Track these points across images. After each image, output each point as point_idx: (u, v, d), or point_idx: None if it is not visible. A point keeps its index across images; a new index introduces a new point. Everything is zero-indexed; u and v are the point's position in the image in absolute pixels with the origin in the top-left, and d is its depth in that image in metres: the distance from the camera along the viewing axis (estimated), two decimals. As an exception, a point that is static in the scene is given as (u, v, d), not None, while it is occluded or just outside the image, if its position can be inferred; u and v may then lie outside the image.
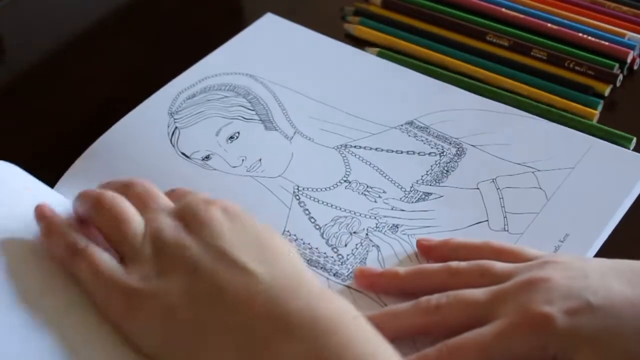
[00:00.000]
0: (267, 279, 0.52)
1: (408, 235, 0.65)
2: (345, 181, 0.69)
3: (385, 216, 0.66)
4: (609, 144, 0.70)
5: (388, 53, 0.80)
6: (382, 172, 0.69)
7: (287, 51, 0.80)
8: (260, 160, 0.70)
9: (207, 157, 0.70)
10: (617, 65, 0.77)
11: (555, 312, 0.53)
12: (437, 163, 0.69)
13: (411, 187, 0.68)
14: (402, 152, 0.70)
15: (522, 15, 0.82)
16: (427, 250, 0.63)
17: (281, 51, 0.80)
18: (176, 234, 0.55)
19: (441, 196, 0.67)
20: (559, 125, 0.72)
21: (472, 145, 0.70)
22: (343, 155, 0.70)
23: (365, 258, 0.64)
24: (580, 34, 0.79)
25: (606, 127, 0.72)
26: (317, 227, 0.65)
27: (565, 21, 0.81)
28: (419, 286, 0.59)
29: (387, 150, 0.71)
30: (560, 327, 0.53)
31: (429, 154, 0.70)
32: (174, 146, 0.71)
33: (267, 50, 0.80)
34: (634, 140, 0.71)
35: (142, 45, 0.84)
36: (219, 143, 0.71)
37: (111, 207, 0.57)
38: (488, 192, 0.67)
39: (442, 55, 0.79)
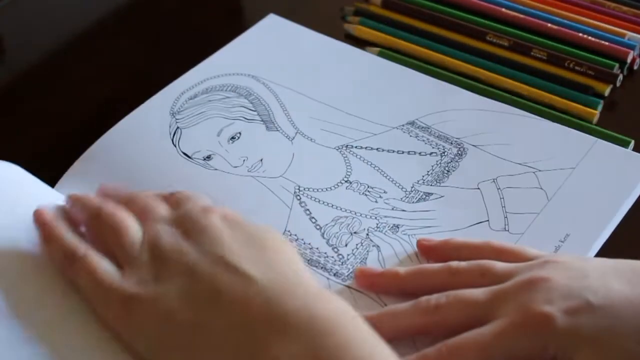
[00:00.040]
0: (263, 280, 0.52)
1: (409, 235, 0.65)
2: (346, 181, 0.69)
3: (385, 216, 0.66)
4: (610, 144, 0.70)
5: (389, 53, 0.80)
6: (383, 173, 0.69)
7: (289, 52, 0.80)
8: (261, 160, 0.70)
9: (209, 157, 0.70)
10: (617, 65, 0.77)
11: (555, 311, 0.53)
12: (438, 163, 0.69)
13: (412, 187, 0.68)
14: (403, 152, 0.71)
15: (522, 15, 0.82)
16: (427, 250, 0.63)
17: (283, 52, 0.80)
18: (174, 240, 0.55)
19: (442, 196, 0.67)
20: (560, 125, 0.72)
21: (473, 146, 0.70)
22: (344, 155, 0.70)
23: (366, 258, 0.64)
24: (580, 34, 0.79)
25: (604, 130, 0.72)
26: (318, 227, 0.66)
27: (565, 21, 0.81)
28: (419, 286, 0.59)
29: (388, 151, 0.71)
30: (560, 327, 0.53)
31: (430, 154, 0.70)
32: (175, 146, 0.71)
33: (269, 51, 0.80)
34: (632, 143, 0.71)
35: (142, 45, 0.84)
36: (221, 143, 0.71)
37: (110, 216, 0.57)
38: (489, 192, 0.67)
39: (442, 55, 0.79)
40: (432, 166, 0.69)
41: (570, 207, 0.66)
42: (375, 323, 0.57)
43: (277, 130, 0.72)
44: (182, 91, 0.76)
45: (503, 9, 0.82)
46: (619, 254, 0.58)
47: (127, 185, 0.67)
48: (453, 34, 0.81)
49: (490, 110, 0.73)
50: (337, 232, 0.65)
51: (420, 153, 0.70)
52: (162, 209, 0.58)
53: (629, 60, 0.77)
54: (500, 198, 0.66)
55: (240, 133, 0.72)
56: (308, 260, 0.63)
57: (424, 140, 0.71)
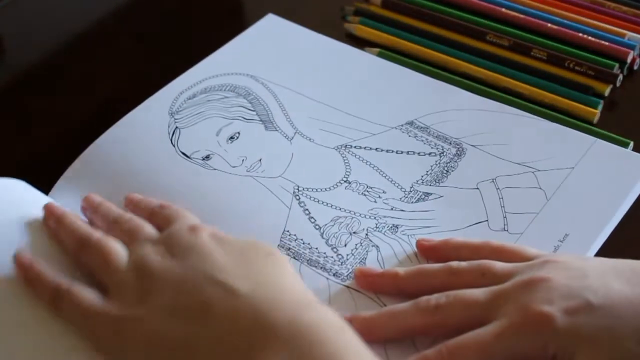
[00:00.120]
0: (250, 293, 0.52)
1: (408, 235, 0.65)
2: (345, 181, 0.69)
3: (385, 216, 0.66)
4: (609, 143, 0.70)
5: (388, 53, 0.80)
6: (382, 172, 0.69)
7: (287, 52, 0.80)
8: (260, 160, 0.70)
9: (207, 157, 0.70)
10: (617, 65, 0.77)
11: (555, 311, 0.53)
12: (437, 163, 0.69)
13: (411, 187, 0.68)
14: (402, 152, 0.70)
15: (522, 15, 0.82)
16: (427, 250, 0.63)
17: (282, 52, 0.79)
18: (159, 259, 0.56)
19: (441, 196, 0.67)
20: (559, 125, 0.72)
21: (472, 146, 0.70)
22: (343, 155, 0.70)
23: (365, 258, 0.64)
24: (580, 34, 0.79)
25: (603, 131, 0.72)
26: (317, 227, 0.65)
27: (565, 21, 0.81)
28: (419, 286, 0.59)
29: (387, 151, 0.71)
30: (560, 327, 0.53)
31: (429, 154, 0.70)
32: (174, 146, 0.71)
33: (268, 51, 0.79)
34: (632, 144, 0.71)
35: (142, 45, 0.85)
36: (219, 143, 0.71)
37: (96, 245, 0.58)
38: (488, 192, 0.67)
39: (442, 55, 0.79)
40: (431, 166, 0.69)
41: (569, 207, 0.65)
42: (375, 323, 0.57)
43: (276, 130, 0.72)
44: (180, 91, 0.76)
45: (503, 9, 0.82)
46: (619, 253, 0.58)
47: (126, 184, 0.68)
48: (453, 34, 0.81)
49: (489, 110, 0.73)
50: (336, 232, 0.65)
51: (419, 153, 0.70)
52: (149, 230, 0.59)
53: (629, 60, 0.77)
54: (500, 198, 0.66)
55: (239, 133, 0.72)
56: (307, 260, 0.63)
57: (422, 140, 0.71)
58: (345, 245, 0.64)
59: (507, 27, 0.81)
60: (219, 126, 0.72)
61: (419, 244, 0.63)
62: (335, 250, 0.64)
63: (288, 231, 0.65)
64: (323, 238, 0.65)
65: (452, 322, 0.56)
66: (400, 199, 0.67)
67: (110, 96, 0.79)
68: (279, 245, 0.64)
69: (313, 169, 0.69)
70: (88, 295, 0.56)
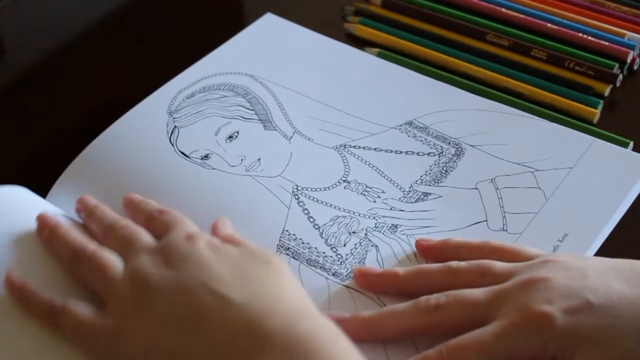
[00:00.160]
0: (244, 301, 0.52)
1: (407, 235, 0.65)
2: (344, 181, 0.68)
3: (384, 216, 0.66)
4: (608, 143, 0.70)
5: (388, 53, 0.80)
6: (381, 172, 0.69)
7: (286, 51, 0.80)
8: (259, 159, 0.70)
9: (206, 157, 0.70)
10: (617, 65, 0.77)
11: (555, 311, 0.53)
12: (436, 163, 0.69)
13: (410, 187, 0.68)
14: (401, 152, 0.70)
15: (522, 15, 0.82)
16: (426, 250, 0.63)
17: (280, 51, 0.79)
18: (155, 269, 0.56)
19: (440, 196, 0.67)
20: (558, 125, 0.72)
21: (471, 146, 0.70)
22: (342, 155, 0.70)
23: (364, 258, 0.64)
24: (580, 34, 0.79)
25: (603, 131, 0.72)
26: (316, 226, 0.65)
27: (565, 21, 0.81)
28: (418, 286, 0.59)
29: (386, 151, 0.71)
30: (560, 327, 0.53)
31: (428, 154, 0.70)
32: (173, 145, 0.71)
33: (267, 50, 0.79)
34: (631, 144, 0.71)
35: (142, 45, 0.85)
36: (218, 142, 0.71)
37: (91, 258, 0.58)
38: (487, 192, 0.67)
39: (442, 55, 0.79)
40: (430, 166, 0.69)
41: (568, 207, 0.65)
42: (375, 323, 0.57)
43: (275, 129, 0.72)
44: (179, 90, 0.75)
45: (503, 9, 0.82)
46: (618, 254, 0.58)
47: (125, 184, 0.68)
48: (453, 34, 0.81)
49: (487, 110, 0.73)
50: (335, 232, 0.65)
51: (418, 153, 0.70)
52: (145, 238, 0.59)
53: (628, 60, 0.77)
54: (499, 198, 0.66)
55: (238, 132, 0.72)
56: (307, 260, 0.63)
57: (421, 140, 0.71)
58: (345, 245, 0.64)
59: (507, 27, 0.81)
60: (218, 125, 0.72)
61: (419, 244, 0.63)
62: (334, 249, 0.64)
63: (287, 231, 0.65)
64: (322, 238, 0.65)
65: (451, 322, 0.56)
66: (400, 198, 0.67)
67: (110, 96, 0.79)
68: (278, 245, 0.64)
69: (312, 169, 0.69)
70: (83, 310, 0.56)
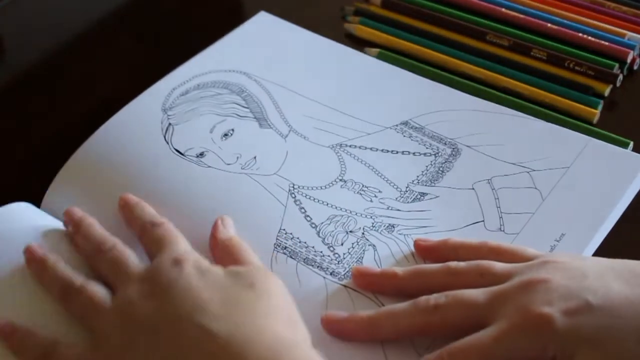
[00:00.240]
0: (227, 336, 0.52)
1: (404, 235, 0.65)
2: (340, 180, 0.68)
3: (381, 216, 0.66)
4: (604, 142, 0.70)
5: (388, 53, 0.80)
6: (377, 172, 0.69)
7: (279, 49, 0.79)
8: (255, 157, 0.70)
9: (202, 155, 0.70)
10: (617, 65, 0.77)
11: (555, 312, 0.53)
12: (432, 163, 0.69)
13: (407, 187, 0.68)
14: (397, 152, 0.70)
15: (522, 15, 0.82)
16: (425, 251, 0.63)
17: (274, 49, 0.79)
18: (141, 300, 0.56)
19: (437, 196, 0.67)
20: (554, 125, 0.71)
21: (467, 146, 0.70)
22: (338, 154, 0.70)
23: (362, 257, 0.63)
24: (580, 34, 0.79)
25: (603, 131, 0.72)
26: (313, 225, 0.65)
27: (565, 21, 0.81)
28: (417, 286, 0.59)
29: (382, 150, 0.70)
30: (560, 328, 0.53)
31: (424, 154, 0.70)
32: (168, 143, 0.71)
33: (260, 48, 0.79)
34: (631, 144, 0.71)
35: (142, 45, 0.85)
36: (214, 140, 0.71)
37: (78, 291, 0.58)
38: (483, 192, 0.67)
39: (442, 55, 0.79)
40: (427, 166, 0.69)
41: (565, 207, 0.65)
42: (374, 323, 0.57)
43: (270, 127, 0.72)
44: (173, 87, 0.75)
45: (503, 9, 0.82)
46: (617, 254, 0.58)
47: (120, 182, 0.67)
48: (453, 34, 0.81)
49: (483, 111, 0.73)
50: (332, 231, 0.65)
51: (414, 153, 0.70)
52: (132, 263, 0.59)
53: (629, 60, 0.77)
54: (495, 198, 0.66)
55: (233, 130, 0.72)
56: (304, 259, 0.63)
57: (417, 141, 0.71)
58: (342, 244, 0.64)
59: (507, 27, 0.81)
60: (213, 123, 0.72)
61: (417, 244, 0.63)
62: (331, 249, 0.64)
63: (284, 229, 0.65)
64: (319, 237, 0.65)
65: (451, 322, 0.56)
66: (396, 198, 0.67)
67: (110, 96, 0.79)
68: (275, 244, 0.64)
69: (308, 167, 0.69)
70: (74, 350, 0.56)
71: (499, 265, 0.58)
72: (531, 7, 0.82)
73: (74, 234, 0.63)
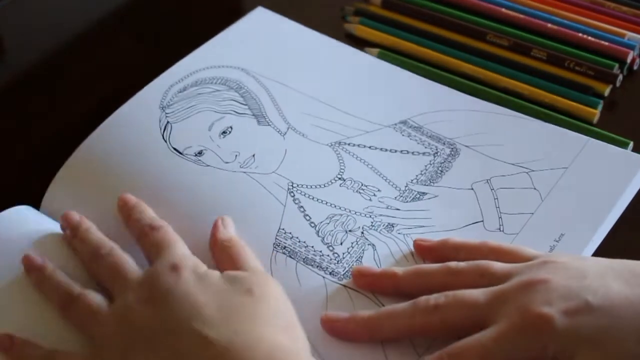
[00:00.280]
0: (225, 343, 0.52)
1: (403, 234, 0.65)
2: (339, 179, 0.68)
3: (380, 215, 0.66)
4: (603, 143, 0.70)
5: (388, 53, 0.80)
6: (376, 171, 0.69)
7: (277, 45, 0.79)
8: (253, 156, 0.69)
9: (200, 153, 0.70)
10: (617, 65, 0.77)
11: (555, 312, 0.53)
12: (431, 163, 0.69)
13: (406, 187, 0.68)
14: (396, 151, 0.70)
15: (522, 15, 0.82)
16: (425, 251, 0.63)
17: (272, 45, 0.79)
18: (139, 308, 0.56)
19: (436, 196, 0.67)
20: (553, 125, 0.71)
21: (465, 146, 0.70)
22: (337, 152, 0.70)
23: (361, 257, 0.63)
24: (580, 34, 0.79)
25: (603, 131, 0.72)
26: (313, 224, 0.65)
27: (565, 21, 0.81)
28: (417, 286, 0.59)
29: (381, 149, 0.70)
30: (560, 328, 0.53)
31: (423, 153, 0.70)
32: (166, 141, 0.71)
33: (258, 44, 0.79)
34: (631, 144, 0.71)
35: (142, 45, 0.85)
36: (212, 138, 0.71)
37: (76, 300, 0.59)
38: (483, 192, 0.67)
39: (442, 55, 0.79)
40: (426, 166, 0.69)
41: (564, 207, 0.65)
42: (374, 323, 0.57)
43: (269, 124, 0.72)
44: (170, 84, 0.75)
45: (503, 9, 0.82)
46: (616, 254, 0.58)
47: (119, 182, 0.67)
48: (453, 34, 0.81)
49: (482, 111, 0.73)
50: (332, 230, 0.65)
51: (413, 152, 0.70)
52: (130, 269, 0.59)
53: (628, 60, 0.77)
54: (494, 198, 0.66)
55: (231, 127, 0.72)
56: (303, 259, 0.63)
57: (416, 140, 0.71)
58: (341, 244, 0.64)
59: (507, 27, 0.81)
60: (211, 120, 0.72)
61: (417, 244, 0.63)
62: (331, 248, 0.64)
63: (283, 229, 0.65)
64: (319, 236, 0.65)
65: (451, 322, 0.56)
66: (396, 197, 0.67)
67: (111, 96, 0.79)
68: (274, 244, 0.64)
69: (307, 165, 0.69)
70: (73, 359, 0.57)
71: (498, 266, 0.58)
72: (531, 7, 0.82)
73: (72, 238, 0.63)
